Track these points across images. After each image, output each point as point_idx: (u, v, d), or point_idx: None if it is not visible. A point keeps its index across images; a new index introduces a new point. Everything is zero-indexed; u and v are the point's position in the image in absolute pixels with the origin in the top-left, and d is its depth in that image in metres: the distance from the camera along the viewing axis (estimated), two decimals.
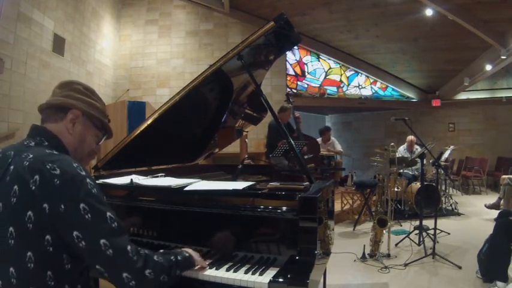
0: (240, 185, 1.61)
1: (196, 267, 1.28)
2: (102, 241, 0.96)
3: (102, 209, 0.99)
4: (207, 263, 1.33)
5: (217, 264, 1.36)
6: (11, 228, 0.94)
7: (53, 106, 1.11)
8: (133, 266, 0.99)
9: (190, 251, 1.28)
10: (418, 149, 5.85)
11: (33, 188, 0.93)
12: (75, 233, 0.94)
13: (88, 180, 1.00)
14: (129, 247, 1.00)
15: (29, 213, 0.93)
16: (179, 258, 1.16)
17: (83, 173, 1.00)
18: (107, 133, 1.24)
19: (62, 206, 0.94)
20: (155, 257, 1.06)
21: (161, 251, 1.15)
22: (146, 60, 7.89)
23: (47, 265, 0.96)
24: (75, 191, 0.96)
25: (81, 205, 0.95)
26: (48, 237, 0.94)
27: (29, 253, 0.94)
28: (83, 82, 1.21)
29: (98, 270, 0.98)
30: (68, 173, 0.96)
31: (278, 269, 1.31)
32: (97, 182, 1.83)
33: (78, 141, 1.13)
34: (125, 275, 0.97)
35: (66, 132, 1.10)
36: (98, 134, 1.19)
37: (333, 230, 1.83)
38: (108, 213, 1.00)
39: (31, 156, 0.98)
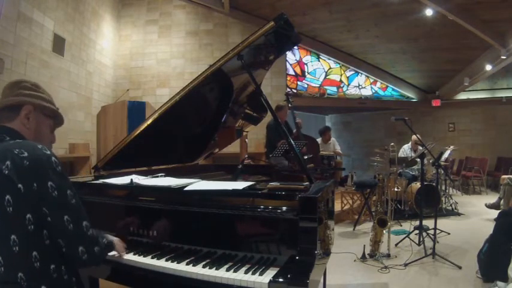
0: (240, 185, 1.61)
1: (115, 252, 1.40)
2: (65, 217, 1.05)
3: (64, 186, 1.08)
4: (125, 250, 1.45)
5: (217, 264, 1.36)
6: None
7: (6, 107, 1.18)
8: (88, 241, 1.11)
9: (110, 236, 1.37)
10: (420, 148, 5.86)
11: (7, 172, 1.00)
12: (44, 209, 1.03)
13: (53, 158, 1.08)
14: (85, 222, 1.11)
15: (7, 197, 0.99)
16: (106, 241, 1.26)
17: (48, 152, 1.09)
18: (58, 120, 1.32)
19: (35, 184, 1.02)
20: (100, 238, 1.18)
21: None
22: (146, 60, 7.89)
23: (31, 245, 1.02)
24: (43, 169, 1.04)
25: (49, 183, 1.04)
26: (28, 215, 1.01)
27: (13, 236, 0.99)
28: (28, 79, 1.30)
29: (59, 243, 1.06)
30: (35, 154, 1.05)
31: (278, 269, 1.31)
32: (97, 182, 1.86)
33: (35, 133, 1.21)
34: (80, 248, 1.08)
35: (23, 127, 1.18)
36: (50, 123, 1.28)
37: (333, 230, 1.83)
38: (69, 191, 1.09)
39: None
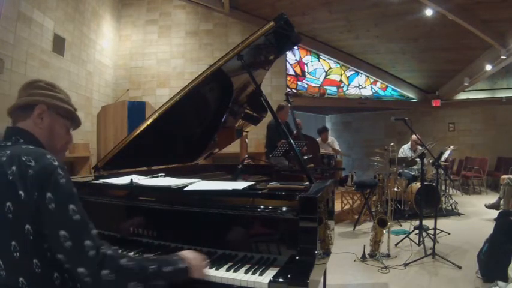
0: (240, 185, 1.61)
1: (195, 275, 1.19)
2: (61, 232, 0.97)
3: (66, 200, 1.00)
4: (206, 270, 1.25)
5: (217, 264, 1.36)
6: None
7: (20, 106, 1.16)
8: (88, 263, 0.97)
9: (191, 258, 1.19)
10: (420, 148, 5.86)
11: (11, 178, 0.98)
12: (42, 221, 0.98)
13: (59, 170, 1.02)
14: (87, 242, 0.98)
15: (8, 204, 0.97)
16: (167, 269, 1.10)
17: (55, 163, 1.03)
18: (74, 121, 1.27)
19: (36, 193, 0.97)
20: (123, 260, 1.01)
21: (150, 255, 1.11)
22: (146, 60, 7.89)
23: (32, 253, 0.99)
24: (45, 180, 0.99)
25: (48, 194, 0.98)
26: (27, 226, 0.97)
27: (13, 242, 0.97)
28: (44, 79, 1.26)
29: (61, 259, 0.99)
30: (41, 164, 1.01)
31: (278, 269, 1.31)
32: (97, 182, 1.86)
33: (48, 133, 1.17)
34: (80, 270, 0.97)
35: (36, 127, 1.15)
36: (65, 123, 1.23)
37: (333, 230, 1.83)
38: (71, 206, 1.00)
39: (8, 152, 1.03)
